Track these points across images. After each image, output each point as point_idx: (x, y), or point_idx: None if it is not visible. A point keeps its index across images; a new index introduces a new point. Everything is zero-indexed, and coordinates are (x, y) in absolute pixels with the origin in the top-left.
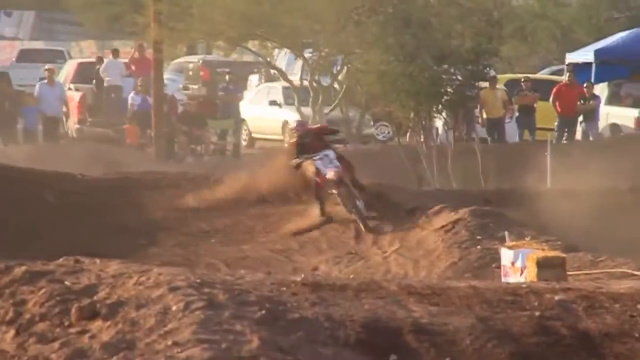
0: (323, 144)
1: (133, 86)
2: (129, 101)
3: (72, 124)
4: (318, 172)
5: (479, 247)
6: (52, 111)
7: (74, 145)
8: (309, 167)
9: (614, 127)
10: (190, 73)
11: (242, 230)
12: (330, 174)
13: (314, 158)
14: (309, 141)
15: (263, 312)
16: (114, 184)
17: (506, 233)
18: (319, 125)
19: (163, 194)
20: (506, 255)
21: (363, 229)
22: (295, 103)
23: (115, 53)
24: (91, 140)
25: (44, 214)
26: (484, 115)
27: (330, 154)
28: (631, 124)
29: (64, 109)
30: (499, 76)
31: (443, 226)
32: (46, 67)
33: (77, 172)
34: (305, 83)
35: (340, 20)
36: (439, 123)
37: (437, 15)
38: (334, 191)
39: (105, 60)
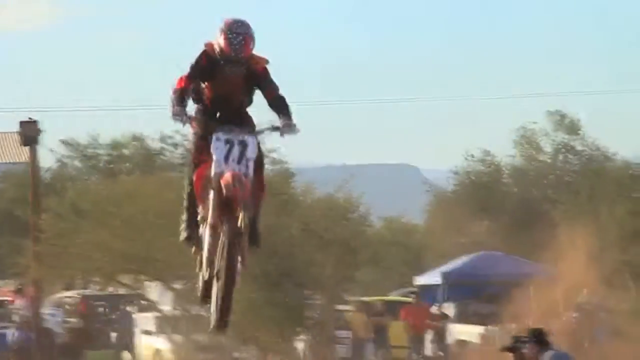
0: (247, 118)
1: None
2: (10, 337)
3: None
4: (205, 163)
5: None
6: None
7: None
8: (193, 146)
9: (462, 343)
10: (68, 307)
11: None
12: (227, 177)
13: (218, 134)
14: (228, 83)
15: None
16: None
17: None
18: (264, 58)
19: None
20: None
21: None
22: (168, 331)
23: None
24: None
25: None
26: (351, 337)
27: (251, 143)
28: (477, 339)
29: None
30: (354, 299)
31: None
32: None
33: None
34: (177, 312)
35: None
36: (300, 345)
37: (299, 245)
38: (209, 220)
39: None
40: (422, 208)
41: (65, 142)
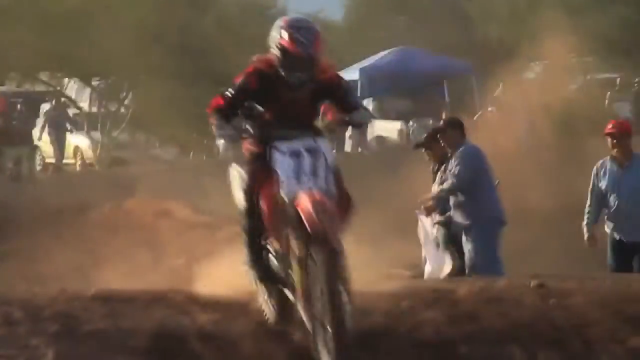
0: (314, 108)
1: None
2: None
3: None
4: (267, 182)
5: None
6: None
7: None
8: (247, 172)
9: (380, 139)
10: None
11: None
12: (306, 206)
13: (276, 144)
14: (292, 102)
15: (57, 326)
16: None
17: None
18: (331, 64)
19: None
20: None
21: None
22: (85, 128)
23: None
24: None
25: None
26: None
27: (322, 147)
28: (395, 135)
29: None
30: None
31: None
32: None
33: None
34: (94, 109)
35: (125, 49)
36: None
37: (214, 42)
38: (295, 250)
39: None
40: (340, 4)
41: None
